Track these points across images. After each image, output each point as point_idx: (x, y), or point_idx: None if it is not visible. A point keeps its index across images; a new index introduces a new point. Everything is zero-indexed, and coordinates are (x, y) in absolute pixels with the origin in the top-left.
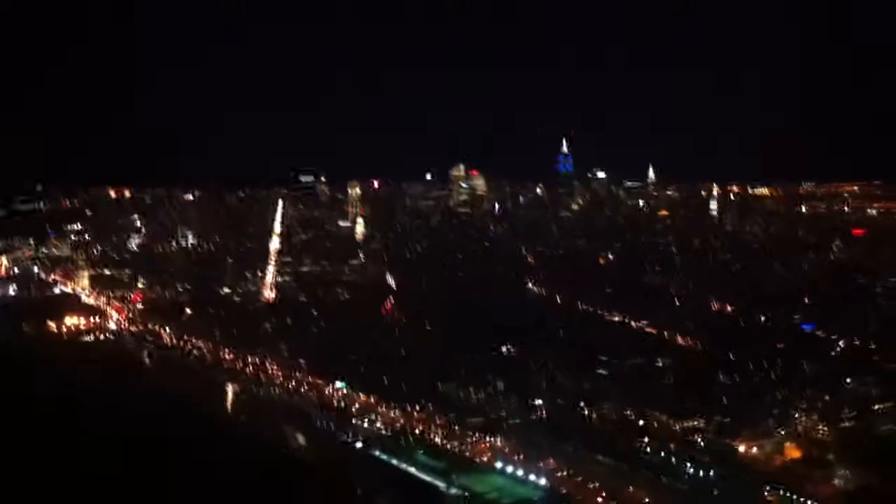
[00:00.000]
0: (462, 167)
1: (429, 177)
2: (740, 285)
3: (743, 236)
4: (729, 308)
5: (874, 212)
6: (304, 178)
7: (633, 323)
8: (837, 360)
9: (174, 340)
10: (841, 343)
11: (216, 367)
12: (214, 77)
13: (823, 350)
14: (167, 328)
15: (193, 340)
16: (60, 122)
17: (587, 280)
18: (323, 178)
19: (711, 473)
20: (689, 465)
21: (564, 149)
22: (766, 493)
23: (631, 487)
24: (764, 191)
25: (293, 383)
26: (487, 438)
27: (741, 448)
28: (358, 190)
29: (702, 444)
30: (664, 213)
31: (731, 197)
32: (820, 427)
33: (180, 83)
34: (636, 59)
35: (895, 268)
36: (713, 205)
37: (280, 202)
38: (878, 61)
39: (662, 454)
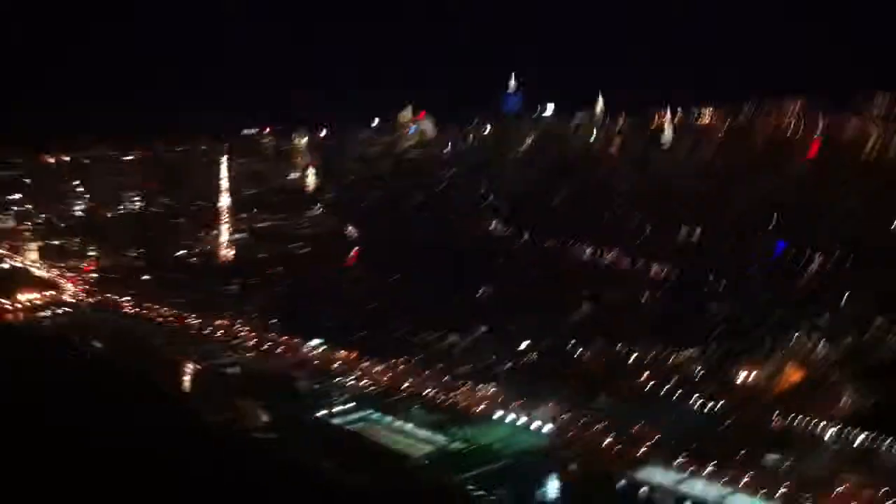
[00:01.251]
0: (410, 110)
1: (376, 121)
2: (703, 211)
3: (697, 162)
4: (698, 233)
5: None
6: (246, 131)
7: (605, 256)
8: (821, 278)
9: (136, 309)
10: (818, 259)
11: (182, 335)
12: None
13: (801, 268)
14: (126, 296)
15: (157, 307)
16: None
17: (549, 216)
18: (267, 130)
19: (718, 407)
20: (694, 400)
21: (512, 87)
22: (774, 420)
23: (636, 427)
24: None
25: (267, 345)
26: (481, 387)
27: (741, 375)
28: (305, 140)
29: (699, 375)
30: (615, 147)
31: (676, 123)
32: (820, 348)
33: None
34: None
35: (851, 189)
36: (666, 133)
37: (223, 156)
38: None
39: (665, 390)
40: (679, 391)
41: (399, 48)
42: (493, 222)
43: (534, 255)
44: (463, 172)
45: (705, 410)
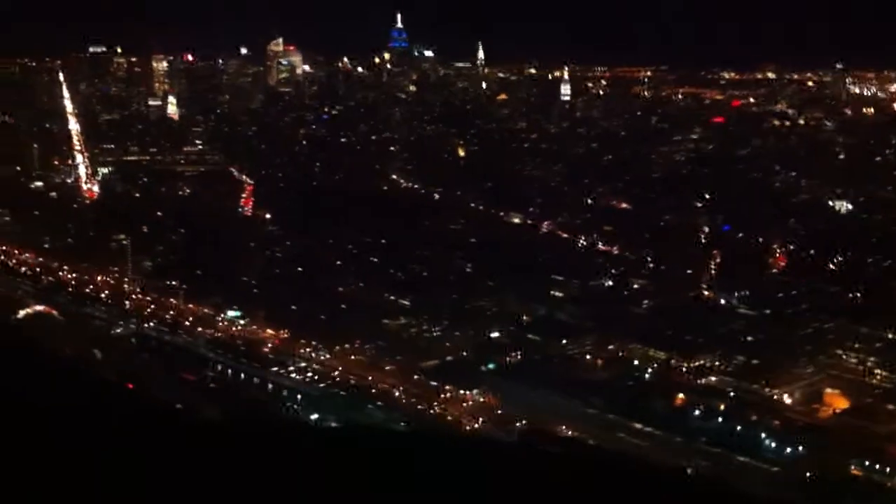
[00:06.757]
0: (280, 42)
1: (244, 51)
2: (629, 179)
3: (598, 122)
4: (625, 205)
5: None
6: (94, 49)
7: (540, 226)
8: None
9: None
10: (777, 248)
11: (57, 292)
12: None
13: (762, 256)
14: None
15: (17, 252)
16: None
17: (458, 172)
18: (119, 50)
19: (800, 448)
20: (764, 435)
21: (399, 23)
22: (852, 469)
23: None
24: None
25: (171, 314)
26: (464, 392)
27: (785, 398)
28: (165, 64)
29: (731, 394)
30: (503, 96)
31: (551, 78)
32: (878, 371)
33: None
34: None
35: (786, 161)
36: (564, 88)
37: (63, 75)
38: None
39: (720, 419)
40: (737, 422)
41: None
42: (395, 174)
43: (459, 218)
44: (347, 113)
45: (780, 451)
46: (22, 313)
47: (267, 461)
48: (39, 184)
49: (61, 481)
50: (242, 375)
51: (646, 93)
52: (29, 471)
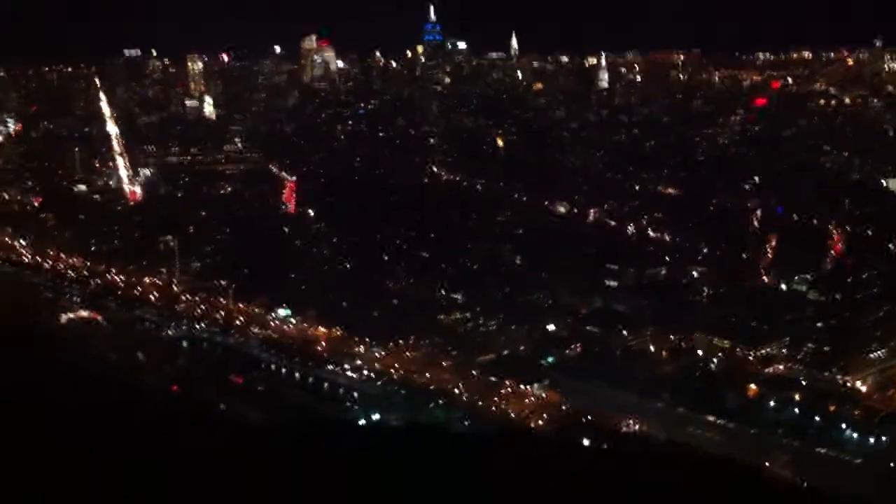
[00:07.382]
0: (314, 39)
1: (278, 50)
2: (674, 164)
3: (638, 109)
4: (672, 191)
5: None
6: (128, 52)
7: (586, 215)
8: None
9: (38, 259)
10: (834, 230)
11: (105, 297)
12: None
13: (819, 239)
14: (22, 240)
15: (63, 257)
16: None
17: (499, 163)
18: (154, 52)
19: (884, 438)
20: (843, 426)
21: (432, 16)
22: None
23: (768, 462)
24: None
25: (220, 314)
26: (525, 388)
27: (859, 385)
28: (200, 65)
29: (804, 382)
30: (539, 85)
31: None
32: None
33: None
34: None
35: (834, 140)
36: (601, 75)
37: (99, 80)
38: None
39: (796, 409)
40: (816, 413)
41: None
42: (435, 166)
43: (503, 207)
44: (384, 108)
45: (863, 443)
46: (64, 318)
47: (314, 462)
48: (82, 187)
49: (89, 481)
50: (297, 375)
51: (682, 76)
52: (59, 471)
